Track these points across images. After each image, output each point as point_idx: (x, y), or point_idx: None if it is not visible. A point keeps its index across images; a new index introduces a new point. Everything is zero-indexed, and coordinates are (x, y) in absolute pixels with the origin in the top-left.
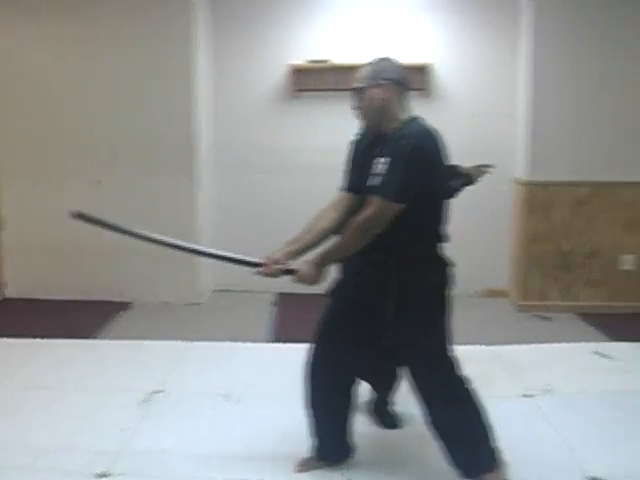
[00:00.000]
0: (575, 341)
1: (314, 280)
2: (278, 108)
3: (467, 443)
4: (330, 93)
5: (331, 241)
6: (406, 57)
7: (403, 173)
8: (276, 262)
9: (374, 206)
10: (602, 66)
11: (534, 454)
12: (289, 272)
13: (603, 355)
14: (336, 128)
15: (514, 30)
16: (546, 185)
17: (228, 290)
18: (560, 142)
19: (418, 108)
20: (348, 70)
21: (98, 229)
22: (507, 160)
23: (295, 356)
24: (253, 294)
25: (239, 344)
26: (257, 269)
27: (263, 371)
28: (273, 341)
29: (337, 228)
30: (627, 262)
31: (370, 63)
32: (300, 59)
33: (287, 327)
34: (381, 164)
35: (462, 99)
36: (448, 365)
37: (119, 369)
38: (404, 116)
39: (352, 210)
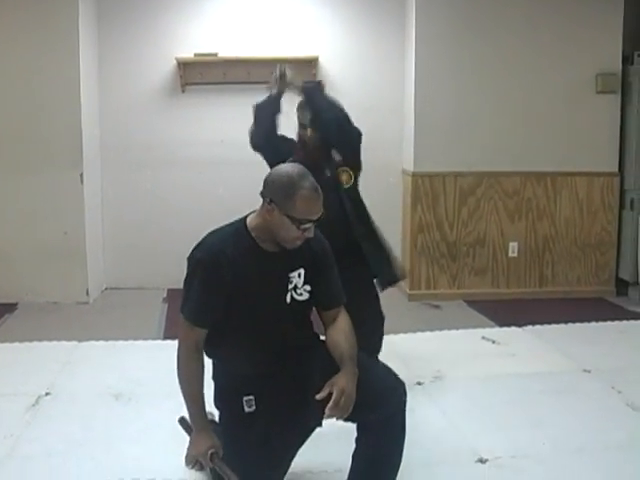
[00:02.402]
0: (463, 327)
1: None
2: (166, 102)
3: None
4: (218, 86)
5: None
6: (294, 50)
7: None
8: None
9: (345, 313)
10: (482, 62)
11: (426, 439)
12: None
13: (490, 340)
14: (225, 121)
15: (402, 25)
16: (432, 176)
17: (119, 288)
18: (444, 134)
19: None
20: (236, 63)
21: None
22: (396, 153)
23: None
24: (144, 291)
25: (129, 342)
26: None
27: (154, 369)
28: (163, 338)
29: None
30: (511, 249)
31: None
32: (188, 52)
33: (179, 324)
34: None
35: (350, 93)
36: None
37: (4, 373)
38: None
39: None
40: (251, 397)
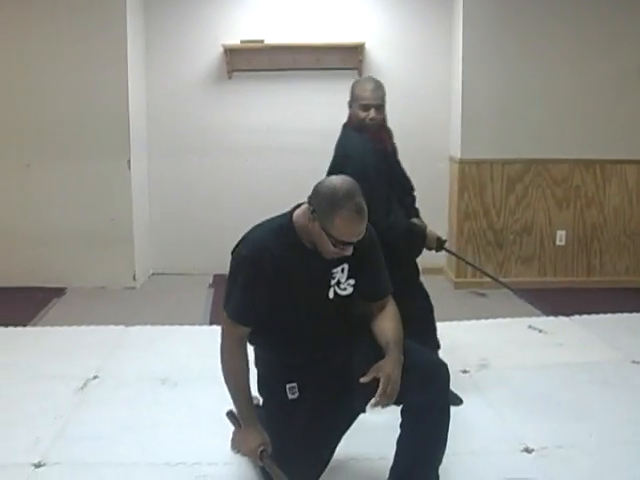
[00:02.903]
0: (509, 316)
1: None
2: (212, 89)
3: None
4: (265, 73)
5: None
6: (339, 36)
7: None
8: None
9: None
10: (531, 47)
11: (471, 428)
12: None
13: (536, 329)
14: (271, 107)
15: (449, 10)
16: (479, 163)
17: (165, 273)
18: (492, 121)
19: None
20: (282, 50)
21: (29, 214)
22: (443, 139)
23: None
24: (190, 277)
25: (176, 327)
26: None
27: (200, 354)
28: (209, 323)
29: None
30: (558, 238)
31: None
32: (234, 39)
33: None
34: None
35: (396, 79)
36: None
37: (54, 356)
38: None
39: None
40: (294, 384)
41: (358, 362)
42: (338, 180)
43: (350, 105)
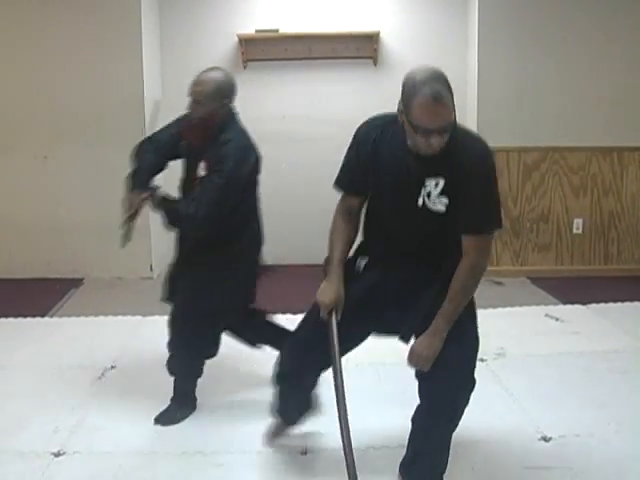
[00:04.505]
0: (527, 305)
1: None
2: None
3: None
4: (280, 62)
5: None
6: (354, 25)
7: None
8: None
9: (481, 248)
10: (547, 34)
11: (488, 416)
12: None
13: (553, 318)
14: (286, 97)
15: None
16: (495, 151)
17: None
18: (508, 109)
19: (367, 77)
20: (297, 39)
21: (47, 205)
22: None
23: None
24: None
25: None
26: None
27: None
28: None
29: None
30: (575, 226)
31: None
32: (249, 29)
33: None
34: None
35: (411, 67)
36: None
37: (71, 346)
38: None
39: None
40: (364, 261)
41: (420, 298)
42: (418, 68)
43: None
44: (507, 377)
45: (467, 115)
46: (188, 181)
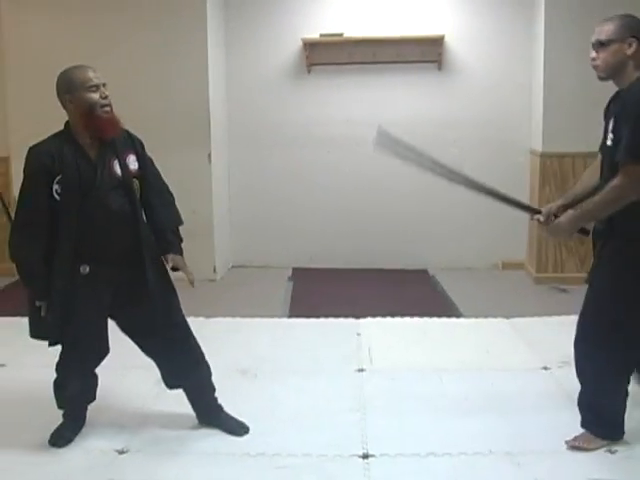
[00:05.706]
0: None
1: (567, 232)
2: (292, 83)
3: None
4: (344, 67)
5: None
6: (419, 29)
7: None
8: (548, 214)
9: (623, 174)
10: None
11: (554, 427)
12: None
13: None
14: (350, 101)
15: (530, 0)
16: (561, 156)
17: (245, 266)
18: (574, 113)
19: (431, 81)
20: (361, 43)
21: None
22: (523, 132)
23: (311, 331)
24: (270, 270)
25: (256, 320)
26: (536, 216)
27: (279, 346)
28: (289, 316)
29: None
30: None
31: (617, 17)
32: (313, 33)
33: (303, 302)
34: (616, 124)
35: (476, 71)
36: None
37: (133, 348)
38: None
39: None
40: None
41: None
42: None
43: None
44: (572, 386)
45: (532, 119)
46: None
